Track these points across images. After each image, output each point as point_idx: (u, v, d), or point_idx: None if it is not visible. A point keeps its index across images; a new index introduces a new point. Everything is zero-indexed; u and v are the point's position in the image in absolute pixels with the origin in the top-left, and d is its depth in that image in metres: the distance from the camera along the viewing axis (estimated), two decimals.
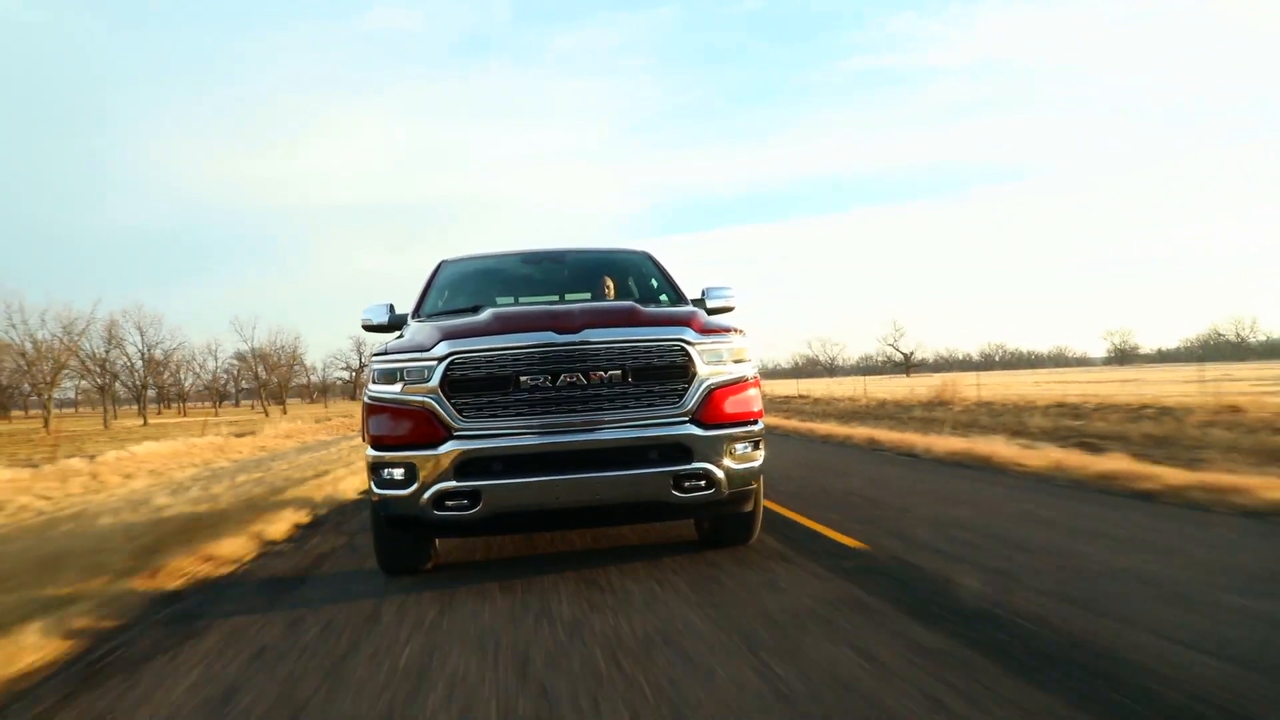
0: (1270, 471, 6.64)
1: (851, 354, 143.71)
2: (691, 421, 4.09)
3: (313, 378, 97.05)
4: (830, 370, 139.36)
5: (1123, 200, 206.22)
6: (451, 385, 4.04)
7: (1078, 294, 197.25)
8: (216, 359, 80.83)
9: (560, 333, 4.06)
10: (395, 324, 5.39)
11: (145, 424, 51.56)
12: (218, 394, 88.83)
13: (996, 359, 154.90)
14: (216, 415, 66.64)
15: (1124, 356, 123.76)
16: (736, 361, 4.29)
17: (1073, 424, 13.05)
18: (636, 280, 5.87)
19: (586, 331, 4.07)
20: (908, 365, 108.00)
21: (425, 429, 4.04)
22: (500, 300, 5.80)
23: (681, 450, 4.06)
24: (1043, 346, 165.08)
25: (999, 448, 9.56)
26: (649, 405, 4.09)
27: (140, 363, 60.84)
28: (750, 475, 4.27)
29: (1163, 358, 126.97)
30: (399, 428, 4.09)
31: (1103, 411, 14.71)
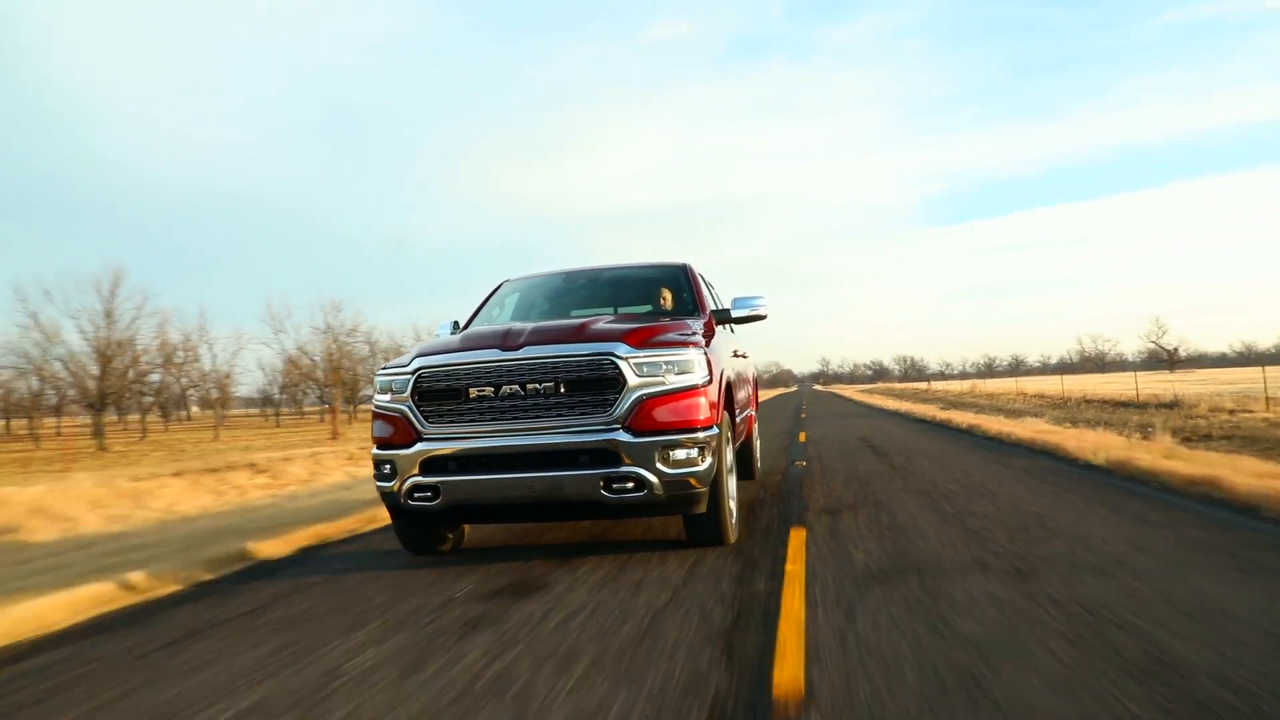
0: None
1: (1135, 348, 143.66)
2: (623, 429, 4.39)
3: None
4: (1100, 366, 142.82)
5: None
6: (420, 395, 4.67)
7: None
8: None
9: (504, 350, 4.56)
10: None
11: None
12: None
13: None
14: None
15: None
16: (681, 373, 4.51)
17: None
18: (672, 292, 6.19)
19: (527, 349, 4.53)
20: (1171, 362, 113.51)
21: (403, 432, 4.70)
22: (533, 316, 6.16)
23: (609, 455, 4.37)
24: None
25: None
26: (581, 413, 4.46)
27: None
28: (693, 479, 4.43)
29: None
30: (388, 431, 4.78)
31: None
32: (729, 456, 5.10)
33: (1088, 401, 27.68)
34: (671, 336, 4.74)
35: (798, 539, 5.11)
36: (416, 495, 4.63)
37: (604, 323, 4.91)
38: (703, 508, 4.64)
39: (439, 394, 4.63)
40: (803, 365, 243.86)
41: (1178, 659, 2.75)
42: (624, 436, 4.38)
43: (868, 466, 9.38)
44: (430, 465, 4.59)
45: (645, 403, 4.42)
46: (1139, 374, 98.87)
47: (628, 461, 4.36)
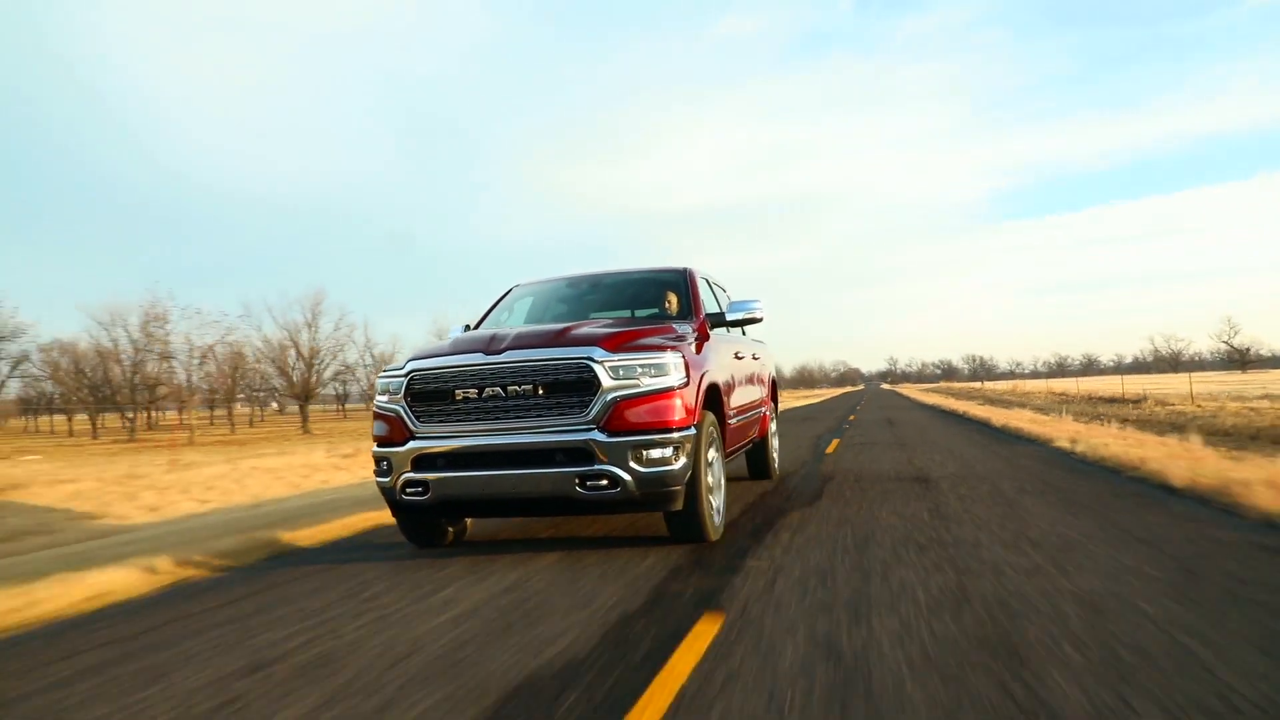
0: None
1: (1208, 347, 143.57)
2: (598, 429, 4.58)
3: None
4: (1174, 366, 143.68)
5: None
6: (413, 396, 4.93)
7: None
8: None
9: (488, 354, 4.79)
10: None
11: None
12: None
13: None
14: None
15: None
16: (655, 376, 4.69)
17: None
18: (673, 295, 6.38)
19: (508, 353, 4.75)
20: (1243, 361, 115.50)
21: (398, 431, 4.96)
22: (546, 319, 6.38)
23: (583, 453, 4.58)
24: None
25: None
26: (558, 414, 4.66)
27: None
28: (667, 478, 4.63)
29: None
30: (385, 430, 5.04)
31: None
32: (711, 456, 5.24)
33: (1088, 399, 35.17)
34: (650, 340, 4.96)
35: (835, 441, 14.18)
36: (409, 490, 4.91)
37: (587, 327, 5.16)
38: (678, 505, 4.83)
39: (429, 395, 4.91)
40: (870, 364, 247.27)
41: (918, 465, 11.68)
42: (599, 436, 4.57)
43: (880, 430, 18.15)
44: (421, 462, 4.87)
45: (619, 404, 4.62)
46: (1210, 374, 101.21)
47: (602, 460, 4.56)
